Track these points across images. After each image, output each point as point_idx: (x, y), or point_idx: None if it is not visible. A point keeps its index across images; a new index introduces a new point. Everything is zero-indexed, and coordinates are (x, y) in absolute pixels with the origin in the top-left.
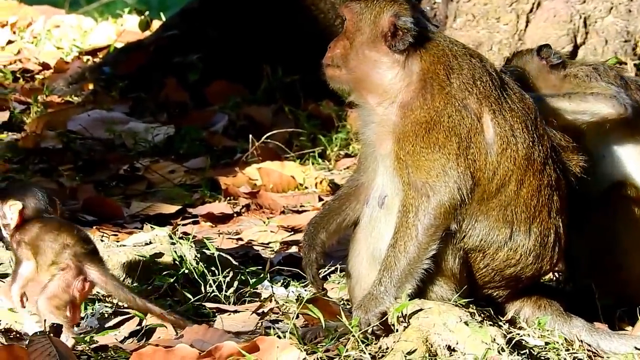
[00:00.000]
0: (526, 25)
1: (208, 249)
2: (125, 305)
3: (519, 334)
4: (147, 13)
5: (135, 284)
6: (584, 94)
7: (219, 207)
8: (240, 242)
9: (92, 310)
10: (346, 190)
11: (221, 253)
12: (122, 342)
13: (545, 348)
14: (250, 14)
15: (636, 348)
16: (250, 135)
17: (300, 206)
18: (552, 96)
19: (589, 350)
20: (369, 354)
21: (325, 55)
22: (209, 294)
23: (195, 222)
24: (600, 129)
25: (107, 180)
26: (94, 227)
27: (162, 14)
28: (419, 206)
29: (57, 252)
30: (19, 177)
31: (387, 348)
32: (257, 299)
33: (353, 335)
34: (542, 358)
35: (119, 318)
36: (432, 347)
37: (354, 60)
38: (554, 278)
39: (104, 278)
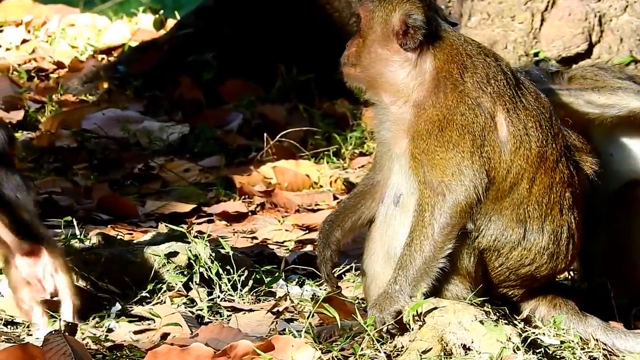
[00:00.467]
0: (541, 24)
1: (223, 247)
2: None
3: (534, 333)
4: (161, 12)
5: (150, 284)
6: (612, 87)
7: (234, 205)
8: (255, 241)
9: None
10: (361, 188)
11: (236, 252)
12: (136, 341)
13: (561, 347)
14: (265, 12)
15: None
16: (265, 134)
17: (315, 205)
18: (580, 90)
19: (604, 349)
20: (384, 352)
21: (343, 54)
22: (223, 293)
23: (210, 221)
24: (607, 127)
25: (121, 179)
26: (109, 226)
27: (176, 12)
28: (435, 205)
29: None
30: (34, 175)
31: (402, 347)
32: (272, 298)
33: (368, 334)
34: (558, 357)
35: (134, 317)
36: (447, 345)
37: (366, 58)
38: (569, 277)
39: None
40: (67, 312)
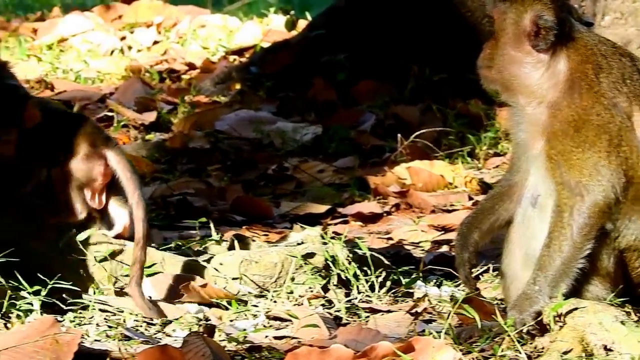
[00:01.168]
0: None
1: (359, 248)
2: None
3: None
4: (292, 12)
5: (287, 285)
6: None
7: (369, 206)
8: (391, 242)
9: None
10: (498, 189)
11: (373, 253)
12: (275, 342)
13: None
14: (397, 12)
15: None
16: (399, 135)
17: (450, 205)
18: None
19: None
20: (525, 353)
21: (479, 56)
22: (361, 294)
23: (345, 222)
24: None
25: (255, 180)
26: (244, 227)
27: (307, 13)
28: (573, 206)
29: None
30: (167, 177)
31: (543, 348)
32: (410, 299)
33: (508, 335)
34: None
35: (273, 319)
36: (588, 346)
37: (500, 60)
38: None
39: (118, 158)
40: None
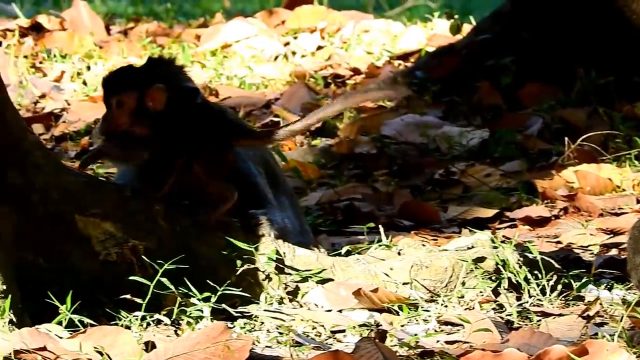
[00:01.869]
0: None
1: (529, 252)
2: None
3: None
4: (456, 16)
5: (458, 289)
6: None
7: (537, 210)
8: (560, 245)
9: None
10: None
11: (543, 256)
12: (447, 347)
13: None
14: (562, 16)
15: None
16: (566, 138)
17: (618, 208)
18: None
19: None
20: None
21: None
22: (532, 298)
23: (513, 226)
24: None
25: (422, 185)
26: (412, 232)
27: (471, 17)
28: None
29: None
30: (333, 182)
31: None
32: (581, 302)
33: None
34: None
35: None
36: None
37: None
38: None
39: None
40: None
